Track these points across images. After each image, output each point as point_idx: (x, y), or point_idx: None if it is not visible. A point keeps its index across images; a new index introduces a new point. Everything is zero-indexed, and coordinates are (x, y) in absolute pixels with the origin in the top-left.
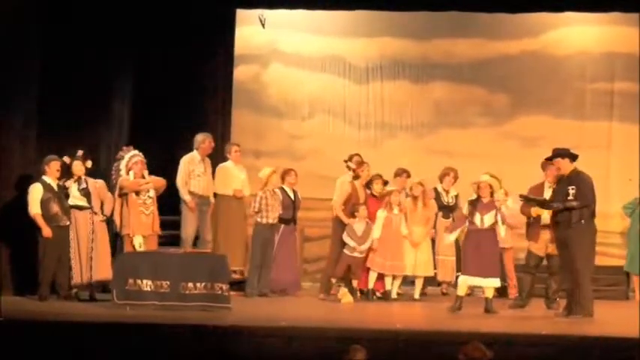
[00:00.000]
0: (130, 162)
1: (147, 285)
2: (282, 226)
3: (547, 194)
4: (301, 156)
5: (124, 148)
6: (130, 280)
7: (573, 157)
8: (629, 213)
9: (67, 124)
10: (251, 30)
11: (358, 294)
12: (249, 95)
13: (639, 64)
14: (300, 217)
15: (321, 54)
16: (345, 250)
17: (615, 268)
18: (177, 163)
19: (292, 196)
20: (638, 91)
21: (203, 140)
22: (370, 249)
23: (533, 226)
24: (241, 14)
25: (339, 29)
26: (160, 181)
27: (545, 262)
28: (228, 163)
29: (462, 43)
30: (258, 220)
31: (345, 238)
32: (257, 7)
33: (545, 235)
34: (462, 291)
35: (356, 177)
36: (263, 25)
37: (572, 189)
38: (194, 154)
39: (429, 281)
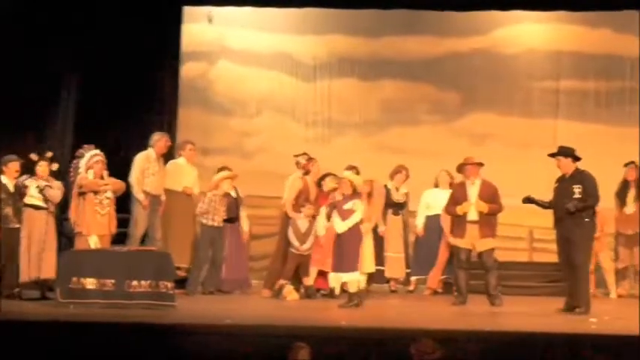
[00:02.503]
0: (91, 161)
1: (91, 283)
2: (229, 225)
3: (469, 192)
4: (249, 154)
5: (85, 146)
6: (74, 279)
7: (576, 158)
8: None
9: (9, 124)
10: (198, 27)
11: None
12: (196, 93)
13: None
14: (248, 215)
15: (270, 51)
16: (292, 249)
17: (557, 264)
18: (124, 161)
19: (234, 194)
20: (583, 89)
21: (159, 139)
22: (317, 245)
23: (459, 223)
24: (188, 11)
25: (287, 26)
26: (119, 184)
27: (476, 259)
28: (180, 160)
29: (412, 41)
30: (204, 221)
31: (290, 235)
32: (204, 4)
33: (473, 230)
34: (337, 287)
35: (306, 173)
36: (210, 22)
37: (578, 187)
38: (149, 153)
39: (378, 278)
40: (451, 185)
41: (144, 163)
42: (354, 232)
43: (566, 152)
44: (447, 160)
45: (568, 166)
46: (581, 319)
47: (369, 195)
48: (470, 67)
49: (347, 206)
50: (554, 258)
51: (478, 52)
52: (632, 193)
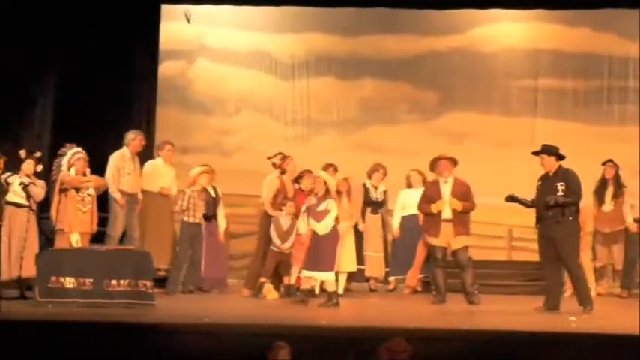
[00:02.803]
0: (73, 158)
1: (70, 282)
2: (206, 224)
3: (443, 190)
4: (228, 152)
5: (67, 145)
6: (53, 278)
7: (560, 157)
8: None
9: None
10: (177, 25)
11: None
12: (175, 91)
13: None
14: (227, 214)
15: (248, 50)
16: (273, 247)
17: (537, 263)
18: (101, 161)
19: (213, 193)
20: (561, 88)
21: (134, 138)
22: (298, 244)
23: (433, 221)
24: (167, 9)
25: (265, 25)
26: (101, 181)
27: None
28: (157, 161)
29: (390, 40)
30: (185, 219)
31: (272, 233)
32: (183, 2)
33: (447, 229)
34: (306, 284)
35: (283, 172)
36: (189, 21)
37: (561, 185)
38: (124, 152)
39: (358, 277)
40: (424, 183)
41: (119, 163)
42: (332, 231)
43: (549, 151)
44: (425, 159)
45: (551, 164)
46: (561, 319)
47: (348, 193)
48: (448, 66)
49: (321, 208)
50: (533, 257)
51: (456, 50)
52: (609, 192)
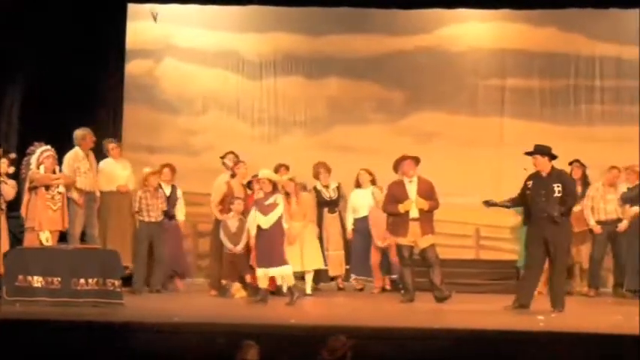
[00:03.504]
0: (42, 156)
1: (37, 281)
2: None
3: (409, 189)
4: (195, 151)
5: (35, 143)
6: (20, 277)
7: (553, 157)
8: (520, 211)
9: None
10: (144, 24)
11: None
12: (142, 90)
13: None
14: (194, 213)
15: (215, 49)
16: (226, 250)
17: (505, 262)
18: None
19: (167, 192)
20: (528, 88)
21: (83, 136)
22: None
23: (400, 221)
24: (133, 9)
25: (232, 24)
26: (71, 178)
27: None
28: (109, 160)
29: (357, 39)
30: (140, 218)
31: (222, 236)
32: (149, 1)
33: (414, 228)
34: (263, 283)
35: (233, 175)
36: (155, 20)
37: (558, 186)
38: (77, 151)
39: (323, 277)
40: (372, 183)
41: (73, 162)
42: (277, 226)
43: (543, 151)
44: (392, 158)
45: (545, 164)
46: (529, 318)
47: (296, 193)
48: (416, 66)
49: (268, 201)
50: (500, 256)
51: (424, 50)
52: (577, 192)
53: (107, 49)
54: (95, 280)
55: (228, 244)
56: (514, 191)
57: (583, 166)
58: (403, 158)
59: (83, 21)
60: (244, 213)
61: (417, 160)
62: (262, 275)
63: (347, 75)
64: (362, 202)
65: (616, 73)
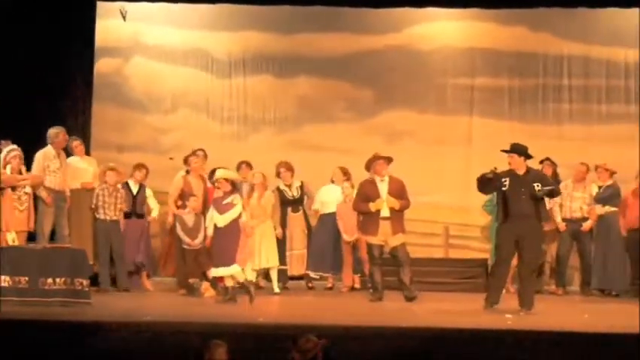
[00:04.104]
0: (8, 156)
1: (5, 281)
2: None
3: (380, 188)
4: (165, 150)
5: (2, 142)
6: None
7: (528, 157)
8: (489, 210)
9: None
10: (112, 23)
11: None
12: (111, 89)
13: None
14: (163, 212)
15: (184, 47)
16: (184, 245)
17: (474, 260)
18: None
19: (135, 191)
20: (497, 87)
21: (57, 135)
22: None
23: (371, 220)
24: (102, 7)
25: (202, 23)
26: (38, 178)
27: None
28: (74, 158)
29: (327, 38)
30: (97, 216)
31: (179, 232)
32: None
33: (385, 227)
34: (230, 282)
35: (188, 171)
36: (124, 18)
37: (538, 185)
38: (48, 149)
39: (282, 277)
40: (347, 181)
41: (44, 160)
42: (233, 226)
43: (520, 150)
44: (362, 157)
45: (521, 163)
46: (497, 316)
47: (262, 187)
48: (385, 65)
49: (226, 201)
50: (469, 254)
51: (393, 49)
52: None
53: (76, 47)
54: (63, 279)
55: (185, 239)
56: None
57: (554, 164)
58: (375, 158)
59: (52, 19)
60: (205, 208)
61: (389, 160)
62: (213, 273)
63: (317, 74)
64: (331, 198)
65: (584, 72)
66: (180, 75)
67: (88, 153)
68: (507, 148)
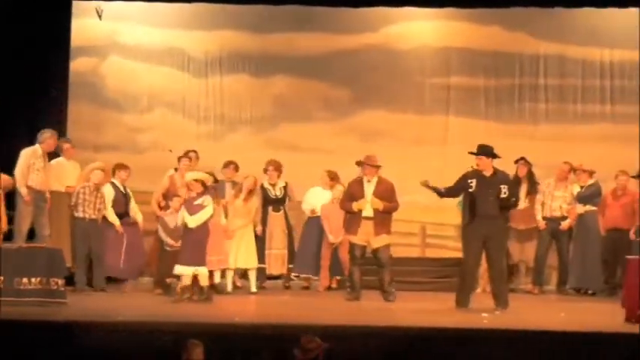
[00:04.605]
0: None
1: None
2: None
3: (366, 189)
4: (141, 149)
5: None
6: None
7: (495, 157)
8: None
9: None
10: (88, 22)
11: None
12: (87, 88)
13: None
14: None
15: (161, 46)
16: (166, 246)
17: (451, 259)
18: (11, 158)
19: (123, 191)
20: (473, 86)
21: (49, 137)
22: None
23: (354, 219)
24: (78, 6)
25: (178, 22)
26: (8, 180)
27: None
28: (61, 159)
29: (304, 38)
30: (75, 214)
31: (160, 233)
32: None
33: (367, 227)
34: (187, 281)
35: (177, 169)
36: (100, 17)
37: (504, 187)
38: (36, 148)
39: (261, 275)
40: (331, 181)
41: (30, 158)
42: (202, 227)
43: (487, 152)
44: (338, 157)
45: (489, 164)
46: (474, 315)
47: (250, 192)
48: (362, 64)
49: (197, 202)
50: (446, 253)
51: (370, 48)
52: (523, 189)
53: (52, 47)
54: (39, 279)
55: (167, 240)
56: None
57: (528, 163)
58: (366, 162)
59: (27, 18)
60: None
61: (378, 168)
62: (180, 273)
63: (293, 73)
64: (318, 201)
65: (560, 71)
66: (156, 74)
67: (58, 154)
68: (481, 148)
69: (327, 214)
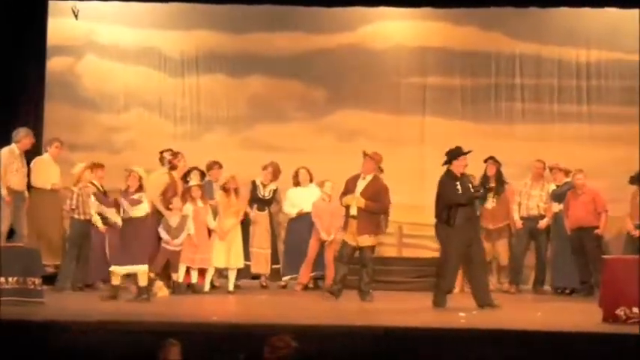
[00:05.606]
0: None
1: None
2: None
3: (358, 185)
4: (118, 149)
5: None
6: None
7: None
8: None
9: None
10: (64, 21)
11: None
12: (63, 87)
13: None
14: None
15: (137, 46)
16: (163, 244)
17: (427, 259)
18: None
19: (102, 190)
20: (449, 86)
21: (26, 135)
22: (189, 243)
23: (346, 217)
24: (54, 5)
25: (154, 21)
26: None
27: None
28: (45, 157)
29: (279, 37)
30: (76, 216)
31: (161, 231)
32: None
33: (353, 225)
34: (116, 280)
35: (173, 168)
36: (76, 17)
37: (477, 188)
38: (13, 148)
39: (244, 273)
40: (311, 181)
41: (8, 159)
42: (141, 226)
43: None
44: (314, 156)
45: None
46: (451, 315)
47: (236, 191)
48: (338, 64)
49: (134, 196)
50: (422, 253)
51: (346, 48)
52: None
53: (28, 46)
54: (16, 278)
55: (166, 237)
56: (435, 190)
57: (497, 162)
58: (366, 156)
59: (3, 17)
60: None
61: (374, 165)
62: (117, 271)
63: (269, 73)
64: (300, 200)
65: (536, 71)
66: (132, 74)
67: (39, 152)
68: (461, 147)
69: (318, 212)
